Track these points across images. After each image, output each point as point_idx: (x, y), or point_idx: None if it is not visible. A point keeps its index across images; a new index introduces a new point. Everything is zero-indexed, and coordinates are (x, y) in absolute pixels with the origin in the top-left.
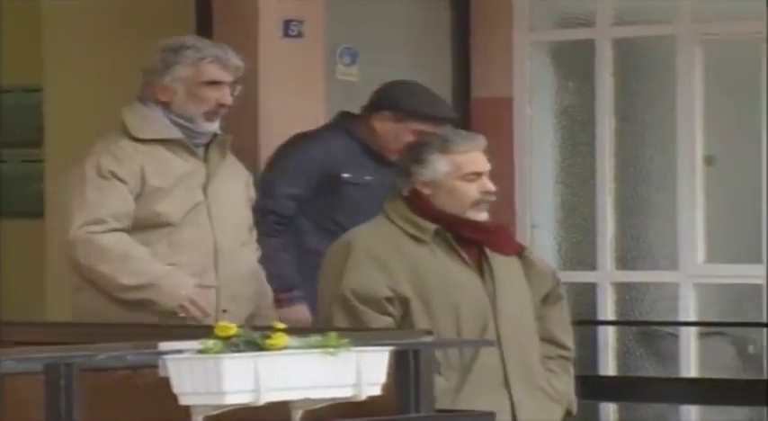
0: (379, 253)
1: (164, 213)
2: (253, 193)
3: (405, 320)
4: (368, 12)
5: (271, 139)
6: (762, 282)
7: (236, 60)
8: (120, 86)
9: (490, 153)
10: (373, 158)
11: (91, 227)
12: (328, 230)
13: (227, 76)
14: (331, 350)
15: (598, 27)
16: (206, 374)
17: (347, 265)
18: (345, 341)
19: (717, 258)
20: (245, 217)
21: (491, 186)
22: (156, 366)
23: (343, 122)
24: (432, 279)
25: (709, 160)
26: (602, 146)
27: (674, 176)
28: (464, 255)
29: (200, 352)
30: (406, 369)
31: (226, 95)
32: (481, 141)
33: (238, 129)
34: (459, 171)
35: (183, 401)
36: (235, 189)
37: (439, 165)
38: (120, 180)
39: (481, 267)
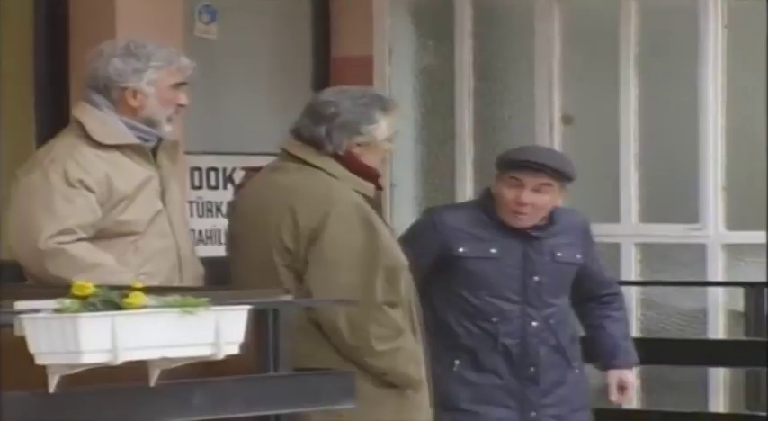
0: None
1: (128, 222)
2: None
3: None
4: None
5: None
6: (617, 240)
7: (188, 60)
8: None
9: None
10: (500, 230)
11: (60, 237)
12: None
13: (186, 77)
14: (189, 309)
15: None
16: (62, 333)
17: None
18: (204, 300)
19: None
20: (188, 221)
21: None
22: (12, 325)
23: (482, 197)
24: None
25: (566, 119)
26: (462, 106)
27: (533, 136)
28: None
29: (57, 311)
30: (265, 328)
31: (185, 96)
32: None
33: None
34: (390, 132)
35: (40, 361)
36: (181, 193)
37: (383, 126)
38: (89, 189)
39: None
